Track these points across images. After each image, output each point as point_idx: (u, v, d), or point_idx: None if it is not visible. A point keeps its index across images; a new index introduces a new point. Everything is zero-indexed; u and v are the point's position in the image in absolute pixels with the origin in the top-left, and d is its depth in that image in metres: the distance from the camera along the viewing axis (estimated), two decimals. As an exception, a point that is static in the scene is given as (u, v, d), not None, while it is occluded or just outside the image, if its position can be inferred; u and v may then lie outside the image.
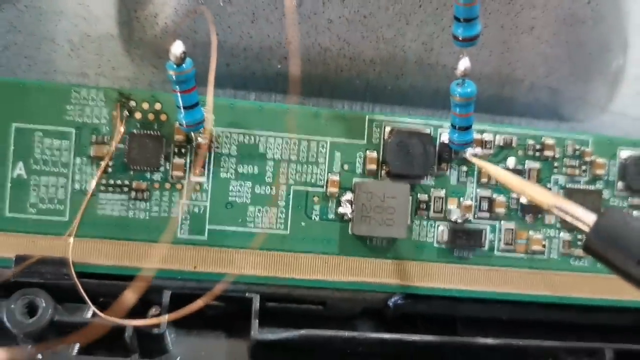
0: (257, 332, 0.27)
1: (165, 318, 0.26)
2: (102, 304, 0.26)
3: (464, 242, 0.28)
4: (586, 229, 0.22)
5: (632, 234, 0.21)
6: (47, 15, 0.29)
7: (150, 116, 0.27)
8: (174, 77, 0.24)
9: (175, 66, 0.24)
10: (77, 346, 0.27)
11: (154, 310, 0.28)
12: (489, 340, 0.28)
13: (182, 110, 0.25)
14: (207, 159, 0.27)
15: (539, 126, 0.31)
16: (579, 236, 0.29)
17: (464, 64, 0.25)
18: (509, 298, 0.29)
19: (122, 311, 0.23)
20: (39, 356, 0.26)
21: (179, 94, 0.25)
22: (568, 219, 0.23)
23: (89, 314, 0.28)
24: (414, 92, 0.30)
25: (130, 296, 0.22)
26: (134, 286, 0.22)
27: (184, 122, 0.26)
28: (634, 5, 0.31)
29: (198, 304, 0.24)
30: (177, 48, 0.24)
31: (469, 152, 0.28)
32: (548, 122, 0.31)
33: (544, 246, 0.29)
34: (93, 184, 0.27)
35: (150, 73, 0.29)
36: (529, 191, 0.24)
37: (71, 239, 0.26)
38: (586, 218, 0.22)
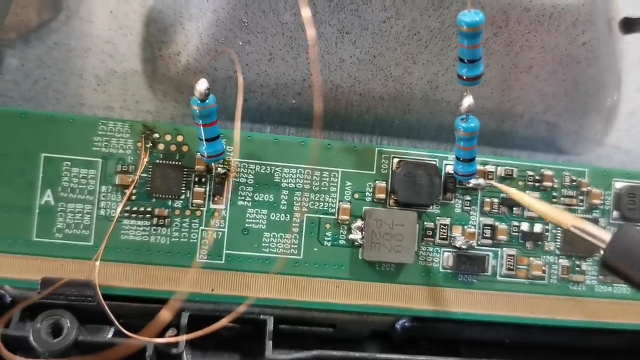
0: (271, 353, 0.28)
1: (184, 338, 0.27)
2: (122, 325, 0.27)
3: (468, 267, 0.30)
4: (603, 245, 0.24)
5: None
6: (75, 52, 0.30)
7: (173, 147, 0.28)
8: (197, 111, 0.26)
9: (199, 101, 0.26)
10: (99, 366, 0.29)
11: (170, 332, 0.29)
12: (493, 362, 0.29)
13: (204, 142, 0.27)
14: (226, 188, 0.29)
15: (538, 158, 0.32)
16: (577, 262, 0.31)
17: (467, 101, 0.26)
18: (511, 321, 0.30)
19: (156, 331, 0.24)
20: (63, 375, 0.27)
21: (201, 127, 0.26)
22: (586, 237, 0.24)
23: (110, 335, 0.29)
24: (419, 126, 0.32)
25: (165, 316, 0.23)
26: (169, 306, 0.23)
27: (205, 153, 0.27)
28: (626, 46, 0.33)
29: (218, 325, 0.25)
30: (202, 85, 0.25)
31: (472, 182, 0.29)
32: (547, 155, 0.33)
33: (544, 271, 0.30)
34: (118, 210, 0.28)
35: (172, 107, 0.31)
36: (549, 213, 0.26)
37: (97, 263, 0.27)
38: (603, 236, 0.24)
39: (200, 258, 0.28)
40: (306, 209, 0.29)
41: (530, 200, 0.27)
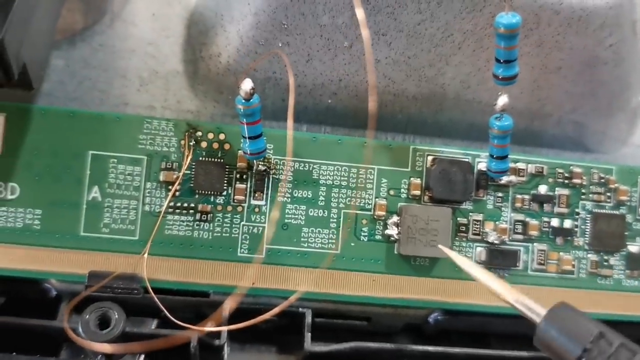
0: (310, 345, 0.29)
1: (227, 328, 0.28)
2: (166, 317, 0.28)
3: (500, 262, 0.30)
4: (537, 320, 0.24)
5: (576, 330, 0.23)
6: (119, 54, 0.31)
7: (215, 145, 0.29)
8: (242, 110, 0.27)
9: (244, 101, 0.27)
10: (142, 357, 0.29)
11: (210, 325, 0.30)
12: (524, 354, 0.30)
13: (247, 140, 0.28)
14: (266, 184, 0.30)
15: (565, 157, 0.33)
16: (605, 257, 0.31)
17: (502, 100, 0.27)
18: (542, 315, 0.31)
19: (221, 320, 0.25)
20: (110, 366, 0.28)
21: (245, 126, 0.27)
22: (524, 312, 0.24)
23: (154, 326, 0.30)
24: (451, 125, 0.32)
25: (229, 305, 0.24)
26: (233, 297, 0.24)
27: (248, 150, 0.28)
28: (651, 48, 0.34)
29: (265, 316, 0.26)
30: (247, 85, 0.26)
31: (504, 179, 0.30)
32: (574, 154, 0.33)
33: (573, 266, 0.31)
34: (164, 206, 0.29)
35: (212, 107, 0.32)
36: (492, 285, 0.25)
37: (146, 256, 0.28)
38: (538, 311, 0.24)
39: (242, 252, 0.29)
40: (343, 205, 0.30)
41: (476, 270, 0.26)
